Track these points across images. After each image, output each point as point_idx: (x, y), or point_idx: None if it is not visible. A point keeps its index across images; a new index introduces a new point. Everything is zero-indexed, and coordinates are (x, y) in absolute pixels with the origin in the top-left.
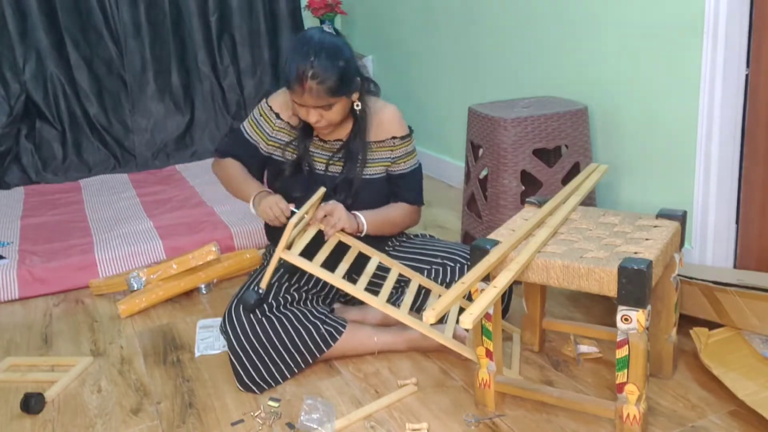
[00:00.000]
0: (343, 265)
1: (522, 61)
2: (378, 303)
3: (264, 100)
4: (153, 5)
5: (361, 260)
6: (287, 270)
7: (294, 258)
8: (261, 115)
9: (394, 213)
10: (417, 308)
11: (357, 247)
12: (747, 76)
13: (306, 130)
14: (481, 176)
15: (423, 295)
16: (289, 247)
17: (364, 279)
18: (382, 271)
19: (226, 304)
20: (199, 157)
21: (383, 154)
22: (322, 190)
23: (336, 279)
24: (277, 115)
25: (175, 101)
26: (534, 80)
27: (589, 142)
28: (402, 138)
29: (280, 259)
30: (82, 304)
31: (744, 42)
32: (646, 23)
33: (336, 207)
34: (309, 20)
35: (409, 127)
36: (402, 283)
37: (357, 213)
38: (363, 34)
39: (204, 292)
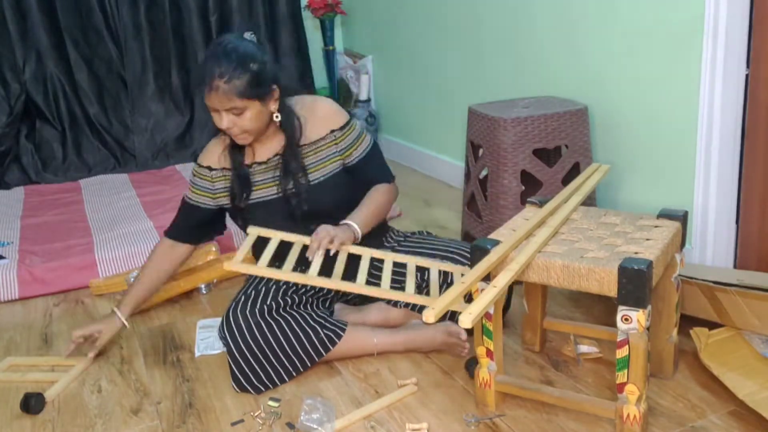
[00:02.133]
0: (340, 267)
1: (522, 61)
2: (379, 291)
3: (194, 164)
4: (153, 5)
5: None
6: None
7: (244, 267)
8: (196, 176)
9: (376, 199)
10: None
11: (368, 253)
12: (747, 76)
13: (236, 161)
14: (481, 176)
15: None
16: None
17: (362, 277)
18: (380, 271)
19: (225, 307)
20: None
21: (329, 151)
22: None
23: (312, 279)
24: (209, 168)
25: (175, 101)
26: (534, 80)
27: (589, 142)
28: (342, 128)
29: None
30: (82, 304)
31: (744, 42)
32: (646, 23)
33: (322, 229)
34: (309, 20)
35: (348, 112)
36: (403, 284)
37: (346, 222)
38: (363, 34)
39: (204, 292)
